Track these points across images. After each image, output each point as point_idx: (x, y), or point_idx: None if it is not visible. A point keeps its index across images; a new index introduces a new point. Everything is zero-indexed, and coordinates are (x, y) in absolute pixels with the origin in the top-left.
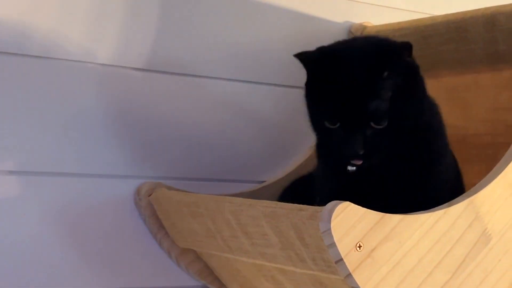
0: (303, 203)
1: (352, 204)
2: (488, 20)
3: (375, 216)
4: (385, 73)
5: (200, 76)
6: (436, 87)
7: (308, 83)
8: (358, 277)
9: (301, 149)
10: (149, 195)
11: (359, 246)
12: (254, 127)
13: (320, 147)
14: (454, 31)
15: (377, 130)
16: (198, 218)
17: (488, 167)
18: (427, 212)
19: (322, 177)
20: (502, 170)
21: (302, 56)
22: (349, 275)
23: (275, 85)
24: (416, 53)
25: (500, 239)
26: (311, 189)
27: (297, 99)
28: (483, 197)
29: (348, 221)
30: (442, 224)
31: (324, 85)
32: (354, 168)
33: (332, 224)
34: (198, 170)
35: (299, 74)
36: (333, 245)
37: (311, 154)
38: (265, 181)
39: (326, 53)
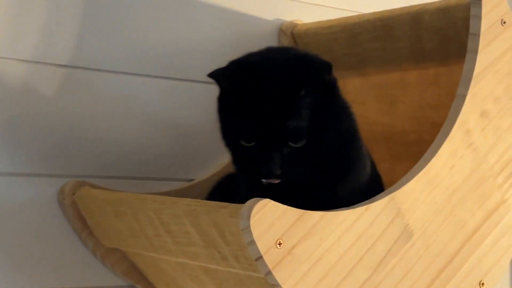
0: (232, 200)
1: (272, 202)
2: (414, 18)
3: (295, 213)
4: (303, 92)
5: (126, 74)
6: (364, 85)
7: (222, 98)
8: (278, 275)
9: (225, 152)
10: (73, 194)
11: (279, 243)
12: (183, 125)
13: (235, 163)
14: (381, 29)
15: (294, 148)
16: (122, 217)
17: (414, 164)
18: (349, 209)
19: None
20: (424, 167)
21: (214, 75)
22: (269, 272)
23: (208, 83)
24: (344, 51)
25: (422, 235)
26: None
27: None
28: (404, 194)
29: (268, 218)
30: (363, 220)
31: (239, 101)
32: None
33: (252, 222)
34: (126, 168)
35: None
36: (252, 242)
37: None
38: (194, 179)
39: (240, 68)
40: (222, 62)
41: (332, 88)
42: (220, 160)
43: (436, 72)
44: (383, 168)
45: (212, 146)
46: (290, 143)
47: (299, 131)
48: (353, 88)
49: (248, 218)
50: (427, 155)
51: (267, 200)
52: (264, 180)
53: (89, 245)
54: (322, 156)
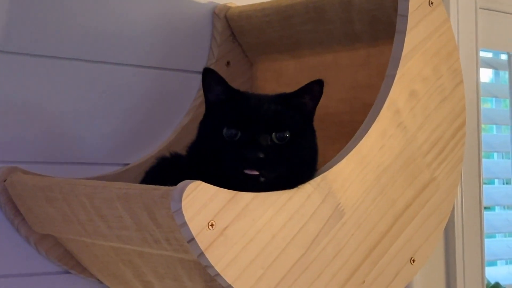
0: (165, 185)
1: (204, 183)
2: (345, 0)
3: (227, 195)
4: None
5: (58, 58)
6: (299, 67)
7: (209, 88)
8: (210, 256)
9: (166, 131)
10: (4, 181)
11: (211, 225)
12: (117, 109)
13: (212, 158)
14: (313, 11)
15: (278, 145)
16: (53, 203)
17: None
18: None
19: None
20: (354, 146)
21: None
22: (201, 254)
23: (139, 66)
24: (278, 33)
25: (353, 214)
26: (177, 170)
27: (161, 80)
28: (335, 173)
29: (200, 200)
30: (295, 200)
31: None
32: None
33: (183, 203)
34: (59, 153)
35: (163, 55)
36: (184, 224)
37: (176, 136)
38: (129, 164)
39: None
40: (154, 45)
41: (317, 102)
42: (155, 144)
43: (367, 53)
44: None
45: (146, 129)
46: (275, 134)
47: (284, 122)
48: (288, 71)
49: (180, 200)
50: (357, 135)
51: (199, 182)
52: (246, 171)
53: (22, 232)
54: (300, 158)
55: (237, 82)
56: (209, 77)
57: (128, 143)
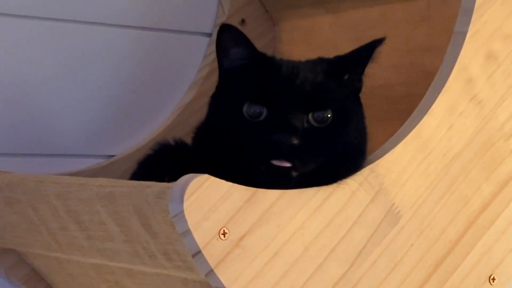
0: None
1: (213, 178)
2: None
3: (244, 193)
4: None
5: (18, 16)
6: (336, 24)
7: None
8: (222, 274)
9: (162, 111)
10: None
11: (224, 233)
12: (100, 84)
13: (230, 144)
14: None
15: (315, 128)
16: (15, 206)
17: None
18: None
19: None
20: (413, 128)
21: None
22: (210, 271)
23: (127, 27)
24: None
25: (413, 217)
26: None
27: (157, 46)
28: (388, 164)
29: (208, 200)
30: (334, 200)
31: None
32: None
33: (186, 205)
34: (25, 143)
35: (158, 13)
36: (187, 232)
37: (176, 118)
38: (114, 156)
39: None
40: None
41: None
42: (148, 129)
43: (427, 4)
44: None
45: (137, 110)
46: (313, 114)
47: (326, 97)
48: (322, 30)
49: (181, 200)
50: (416, 113)
51: (206, 176)
52: (274, 162)
53: None
54: (345, 145)
55: (255, 45)
56: (226, 35)
57: (113, 129)
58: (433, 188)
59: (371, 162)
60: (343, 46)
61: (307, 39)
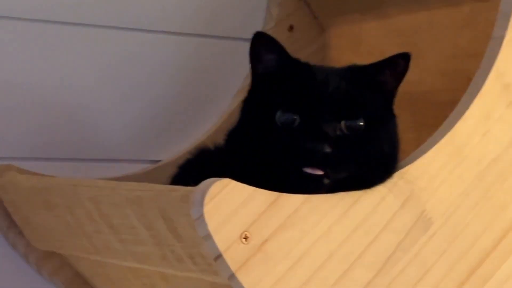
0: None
1: (235, 182)
2: None
3: (267, 197)
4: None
5: (65, 23)
6: (383, 30)
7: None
8: (244, 278)
9: (208, 118)
10: None
11: (245, 237)
12: (145, 90)
13: (262, 151)
14: None
15: (348, 137)
16: (54, 210)
17: None
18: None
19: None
20: (447, 133)
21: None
22: (232, 275)
23: (174, 33)
24: None
25: (444, 224)
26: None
27: (203, 52)
28: (419, 169)
29: (229, 204)
30: (362, 206)
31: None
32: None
33: (206, 209)
34: (74, 148)
35: (205, 18)
36: (208, 236)
37: (221, 124)
38: (160, 161)
39: None
40: (193, 4)
41: (400, 81)
42: (194, 135)
43: (472, 10)
44: (407, 139)
45: (183, 116)
46: (345, 122)
47: (358, 105)
48: (369, 36)
49: (202, 203)
50: (451, 119)
51: (228, 180)
52: (306, 170)
53: (20, 248)
54: (377, 154)
55: (303, 52)
56: (260, 42)
57: (159, 135)
58: (467, 195)
59: (401, 167)
60: (390, 52)
61: (355, 46)
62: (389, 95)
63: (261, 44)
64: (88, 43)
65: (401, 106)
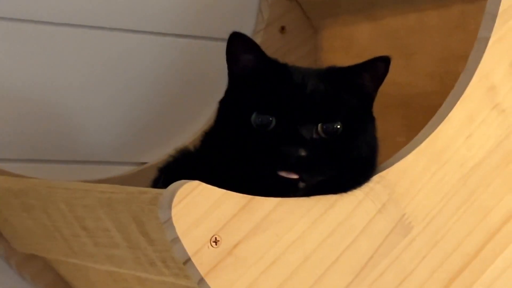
0: None
1: (204, 184)
2: None
3: (239, 200)
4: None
5: (51, 24)
6: (374, 32)
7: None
8: (214, 282)
9: (196, 120)
10: None
11: (215, 241)
12: (132, 91)
13: (237, 153)
14: None
15: (325, 140)
16: (31, 212)
17: None
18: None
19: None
20: (428, 135)
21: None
22: (201, 280)
23: (161, 34)
24: None
25: (425, 228)
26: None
27: (190, 53)
28: (399, 172)
29: (199, 206)
30: (339, 209)
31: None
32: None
33: (174, 211)
34: (59, 150)
35: (193, 18)
36: (176, 240)
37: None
38: (146, 163)
39: None
40: (181, 4)
41: (379, 84)
42: (181, 137)
43: (462, 11)
44: (397, 143)
45: (170, 118)
46: (322, 125)
47: (336, 108)
48: (361, 38)
49: (170, 206)
50: (433, 121)
51: (197, 182)
52: (281, 174)
53: (1, 251)
54: (354, 158)
55: (295, 54)
56: (237, 43)
57: (145, 136)
58: (449, 199)
59: (381, 171)
60: (382, 54)
61: (347, 47)
62: (368, 98)
63: (238, 45)
64: (74, 44)
65: (391, 109)
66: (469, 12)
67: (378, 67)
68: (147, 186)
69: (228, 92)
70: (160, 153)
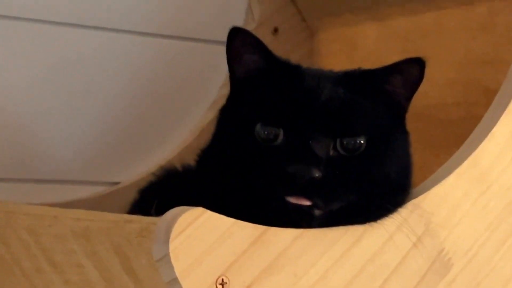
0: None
1: (210, 212)
2: None
3: (251, 232)
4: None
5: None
6: (382, 34)
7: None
8: None
9: (177, 133)
10: None
11: (222, 283)
12: (105, 100)
13: (239, 173)
14: None
15: (344, 157)
16: None
17: None
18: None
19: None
20: (468, 156)
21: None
22: None
23: (140, 33)
24: None
25: (467, 265)
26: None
27: (173, 56)
28: (436, 199)
29: (202, 240)
30: (367, 244)
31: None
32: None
33: (172, 246)
34: (19, 168)
35: (176, 18)
36: (174, 281)
37: (193, 141)
38: (119, 183)
39: None
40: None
41: (413, 92)
42: (160, 153)
43: (488, 10)
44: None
45: (148, 131)
46: (341, 139)
47: (359, 119)
48: (366, 40)
49: (167, 239)
50: (473, 137)
51: (201, 209)
52: (289, 199)
53: None
54: (381, 181)
55: (289, 58)
56: (239, 40)
57: (117, 152)
58: (494, 230)
59: (415, 197)
60: (390, 59)
61: (349, 51)
62: (399, 107)
63: (240, 42)
64: (37, 42)
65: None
66: (498, 11)
67: (410, 70)
68: (121, 211)
69: (229, 98)
70: (135, 171)
